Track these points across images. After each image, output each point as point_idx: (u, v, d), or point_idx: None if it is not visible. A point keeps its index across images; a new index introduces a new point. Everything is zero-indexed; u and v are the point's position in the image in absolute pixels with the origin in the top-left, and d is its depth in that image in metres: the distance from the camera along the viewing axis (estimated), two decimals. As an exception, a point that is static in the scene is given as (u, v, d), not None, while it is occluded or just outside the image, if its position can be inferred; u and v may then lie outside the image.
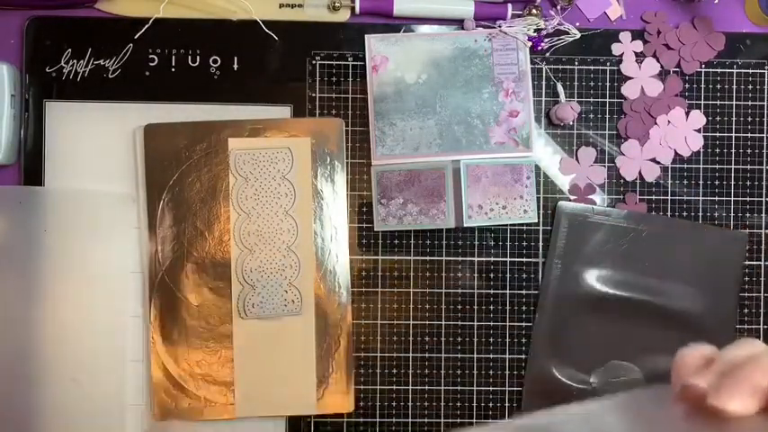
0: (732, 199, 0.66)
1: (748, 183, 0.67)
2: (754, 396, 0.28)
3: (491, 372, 0.66)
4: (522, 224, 0.65)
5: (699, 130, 0.66)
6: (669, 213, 0.66)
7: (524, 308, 0.66)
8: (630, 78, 0.66)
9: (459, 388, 0.66)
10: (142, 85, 0.64)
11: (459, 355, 0.66)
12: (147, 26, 0.64)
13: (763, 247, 0.67)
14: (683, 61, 0.66)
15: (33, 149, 0.64)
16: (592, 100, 0.66)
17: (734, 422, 0.28)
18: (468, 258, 0.66)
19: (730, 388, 0.28)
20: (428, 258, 0.65)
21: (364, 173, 0.65)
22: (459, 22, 0.65)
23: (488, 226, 0.65)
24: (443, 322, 0.65)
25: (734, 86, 0.67)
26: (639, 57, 0.66)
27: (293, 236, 0.63)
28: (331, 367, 0.64)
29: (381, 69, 0.65)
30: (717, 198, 0.66)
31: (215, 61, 0.65)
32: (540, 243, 0.66)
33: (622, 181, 0.66)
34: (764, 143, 0.67)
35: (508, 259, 0.66)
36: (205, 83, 0.65)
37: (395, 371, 0.65)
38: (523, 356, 0.66)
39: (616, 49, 0.66)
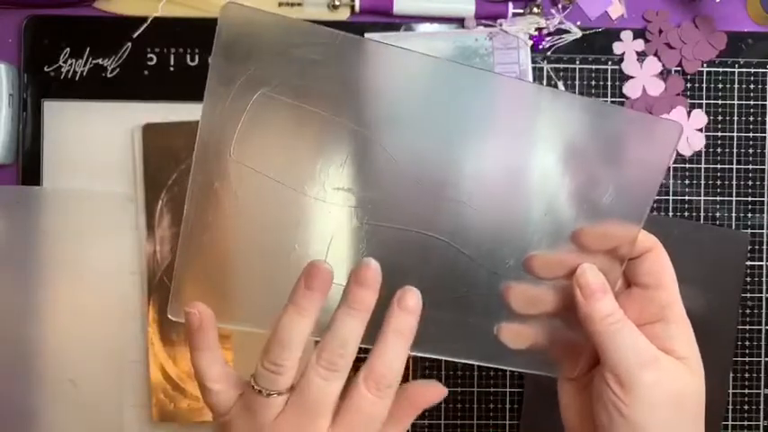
0: (734, 199, 0.66)
1: (750, 183, 0.66)
2: None
3: (492, 373, 0.65)
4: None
5: (701, 130, 0.66)
6: (670, 213, 0.66)
7: (525, 308, 0.65)
8: (632, 77, 0.66)
9: (459, 389, 0.65)
10: (141, 84, 0.64)
11: (459, 356, 0.65)
12: (145, 25, 0.63)
13: (764, 247, 0.66)
14: (684, 60, 0.66)
15: (31, 149, 0.63)
16: (593, 99, 0.66)
17: None
18: (468, 258, 0.65)
19: None
20: (428, 258, 0.65)
21: (364, 173, 0.65)
22: (459, 21, 0.65)
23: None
24: (444, 323, 0.65)
25: (736, 86, 0.66)
26: (641, 56, 0.66)
27: (293, 236, 0.63)
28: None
29: (381, 68, 0.64)
30: (718, 198, 0.66)
31: (214, 60, 0.64)
32: (541, 243, 0.65)
33: (623, 181, 0.66)
34: (767, 143, 0.66)
35: (509, 259, 0.65)
36: (204, 82, 0.64)
37: (395, 372, 0.65)
38: (524, 357, 0.65)
39: (617, 48, 0.66)
